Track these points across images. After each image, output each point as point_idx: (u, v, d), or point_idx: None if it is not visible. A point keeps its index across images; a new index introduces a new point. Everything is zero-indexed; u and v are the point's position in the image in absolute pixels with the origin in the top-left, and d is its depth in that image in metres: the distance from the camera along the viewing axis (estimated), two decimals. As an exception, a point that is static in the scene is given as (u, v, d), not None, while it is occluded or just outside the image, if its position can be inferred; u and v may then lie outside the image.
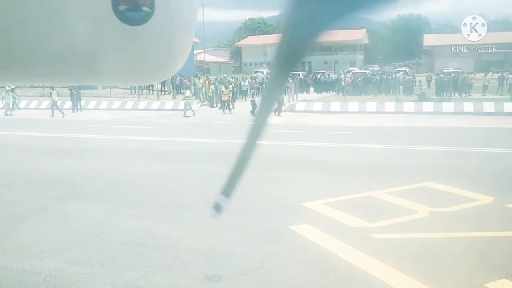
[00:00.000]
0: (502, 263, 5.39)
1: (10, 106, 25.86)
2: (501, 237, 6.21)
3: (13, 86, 25.16)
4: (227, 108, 24.39)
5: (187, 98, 24.59)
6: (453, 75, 31.22)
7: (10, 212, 7.36)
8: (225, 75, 39.99)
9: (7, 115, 24.96)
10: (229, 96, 25.11)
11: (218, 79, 31.72)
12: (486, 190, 8.13)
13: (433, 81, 32.55)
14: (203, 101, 29.62)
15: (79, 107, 27.25)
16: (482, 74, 33.69)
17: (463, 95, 29.16)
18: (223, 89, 25.49)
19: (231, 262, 5.40)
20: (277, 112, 21.99)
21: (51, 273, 5.17)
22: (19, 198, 8.09)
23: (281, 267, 5.28)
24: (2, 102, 25.71)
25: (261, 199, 7.97)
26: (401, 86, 29.57)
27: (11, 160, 11.94)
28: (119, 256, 5.57)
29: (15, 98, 26.90)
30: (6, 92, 25.46)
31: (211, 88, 27.84)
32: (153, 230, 6.47)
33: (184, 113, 23.56)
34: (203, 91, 30.66)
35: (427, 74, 37.21)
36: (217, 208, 1.40)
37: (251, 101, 23.54)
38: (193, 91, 31.63)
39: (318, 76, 42.30)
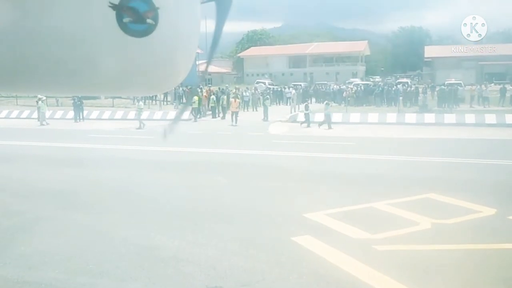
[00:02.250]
0: (505, 275, 5.34)
1: (46, 116, 25.52)
2: (504, 249, 6.17)
3: (44, 97, 24.45)
4: (235, 119, 23.70)
5: (139, 109, 24.12)
6: (450, 86, 31.25)
7: (11, 222, 7.35)
8: (227, 85, 40.11)
9: (43, 125, 24.57)
10: (237, 107, 24.80)
11: (221, 89, 31.78)
12: (488, 202, 8.10)
13: (428, 92, 32.37)
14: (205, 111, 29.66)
15: (81, 117, 27.31)
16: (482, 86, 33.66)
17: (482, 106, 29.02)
18: (232, 100, 25.26)
19: (233, 274, 5.37)
20: (320, 125, 21.42)
21: (51, 284, 5.14)
22: (20, 208, 8.08)
23: (282, 279, 5.24)
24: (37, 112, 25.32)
25: (263, 210, 7.95)
26: (400, 98, 29.59)
27: (12, 169, 11.94)
28: (120, 267, 5.54)
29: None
30: (41, 102, 24.93)
31: (212, 99, 27.84)
32: (154, 240, 6.44)
33: (140, 125, 23.27)
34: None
35: (422, 86, 37.27)
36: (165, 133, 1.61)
37: (305, 113, 22.82)
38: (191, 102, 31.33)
39: (320, 87, 42.37)
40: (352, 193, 9.08)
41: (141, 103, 25.06)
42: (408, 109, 27.58)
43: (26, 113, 30.63)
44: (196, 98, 26.47)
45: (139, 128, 23.06)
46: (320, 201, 8.40)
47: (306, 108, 23.28)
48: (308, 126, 22.20)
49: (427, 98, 28.57)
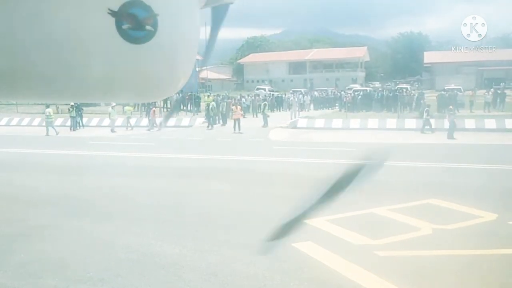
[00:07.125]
0: (505, 280, 5.32)
1: (116, 124, 25.51)
2: (505, 255, 6.15)
3: (114, 104, 24.13)
4: (238, 126, 23.30)
5: (48, 117, 23.79)
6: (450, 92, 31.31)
7: (11, 229, 7.33)
8: (226, 92, 40.17)
9: (114, 132, 24.51)
10: (241, 115, 24.58)
11: (221, 96, 31.85)
12: (489, 207, 8.08)
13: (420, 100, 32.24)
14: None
15: (81, 124, 27.33)
16: (483, 91, 33.77)
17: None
18: (234, 107, 25.16)
19: (234, 280, 5.35)
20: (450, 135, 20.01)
21: (52, 292, 5.12)
22: (21, 216, 8.07)
23: (284, 285, 5.22)
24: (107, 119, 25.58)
25: (263, 216, 7.92)
26: (399, 103, 29.61)
27: (12, 177, 11.94)
28: (120, 274, 5.53)
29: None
30: (112, 109, 24.89)
31: (212, 105, 27.85)
32: (155, 247, 6.42)
33: (47, 132, 23.24)
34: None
35: (418, 91, 37.46)
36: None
37: (425, 119, 22.06)
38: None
39: (320, 93, 42.54)
40: (353, 199, 9.03)
41: (49, 109, 23.97)
42: (408, 115, 27.58)
43: (26, 120, 30.81)
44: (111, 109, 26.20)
45: (47, 135, 23.01)
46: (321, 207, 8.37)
47: (427, 113, 22.46)
48: (432, 132, 21.56)
49: (426, 103, 28.61)
